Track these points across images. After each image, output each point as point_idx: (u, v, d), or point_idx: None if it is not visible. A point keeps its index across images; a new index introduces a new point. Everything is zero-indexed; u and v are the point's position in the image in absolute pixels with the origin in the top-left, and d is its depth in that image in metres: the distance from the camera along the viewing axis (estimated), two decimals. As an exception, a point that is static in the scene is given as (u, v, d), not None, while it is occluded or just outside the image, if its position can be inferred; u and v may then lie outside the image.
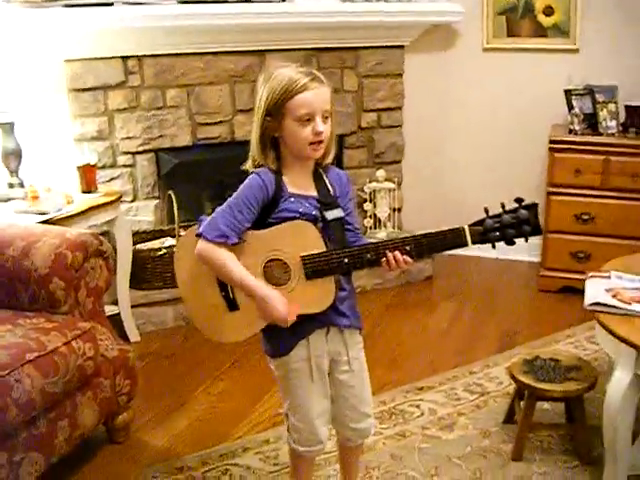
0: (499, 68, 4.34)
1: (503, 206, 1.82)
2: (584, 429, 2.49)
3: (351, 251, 1.85)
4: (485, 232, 1.82)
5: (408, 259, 1.83)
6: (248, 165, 1.94)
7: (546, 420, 2.70)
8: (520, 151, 4.40)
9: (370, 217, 4.24)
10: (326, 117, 1.86)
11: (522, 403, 2.56)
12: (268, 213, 1.87)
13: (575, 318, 3.54)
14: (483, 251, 4.47)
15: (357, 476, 2.31)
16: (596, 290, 2.40)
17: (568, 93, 3.96)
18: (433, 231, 1.84)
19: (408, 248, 1.83)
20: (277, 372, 2.03)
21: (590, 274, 2.57)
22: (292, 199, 1.89)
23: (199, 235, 1.86)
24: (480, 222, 1.83)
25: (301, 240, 1.85)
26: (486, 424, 2.73)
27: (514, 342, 3.44)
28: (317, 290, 1.87)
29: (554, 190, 3.91)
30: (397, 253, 1.83)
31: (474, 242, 1.82)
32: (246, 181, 1.89)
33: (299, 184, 1.92)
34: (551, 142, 3.89)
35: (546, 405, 2.75)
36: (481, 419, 2.76)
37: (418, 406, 2.87)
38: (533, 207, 1.82)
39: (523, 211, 1.81)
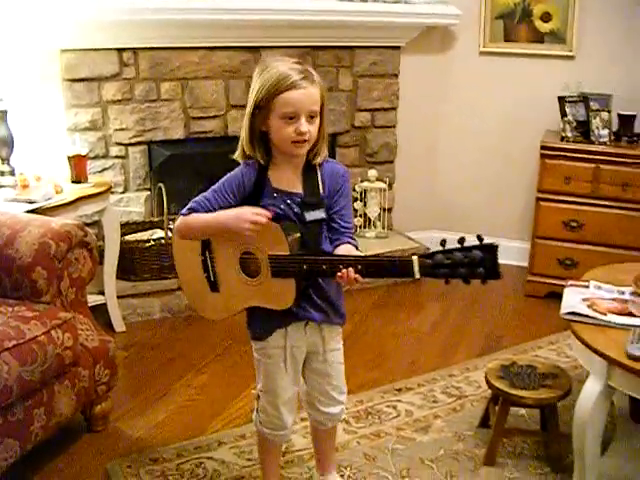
0: (495, 72, 4.35)
1: (461, 241, 1.71)
2: (557, 437, 2.50)
3: (310, 259, 1.87)
4: (434, 266, 1.73)
5: (359, 277, 1.81)
6: (237, 155, 1.98)
7: (521, 426, 2.73)
8: (512, 155, 4.41)
9: (360, 216, 4.26)
10: (312, 117, 1.86)
11: (497, 408, 2.58)
12: (250, 205, 1.91)
13: (559, 324, 3.52)
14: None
15: (332, 462, 2.36)
16: (573, 299, 2.41)
17: (562, 100, 3.97)
18: (385, 256, 1.82)
19: (359, 267, 1.81)
20: (255, 354, 2.11)
21: (569, 282, 2.58)
22: (275, 194, 1.93)
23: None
24: (431, 255, 1.74)
25: (269, 239, 1.88)
26: (461, 427, 2.74)
27: (497, 346, 3.46)
28: (280, 288, 1.92)
29: (544, 196, 3.92)
30: (350, 270, 1.80)
31: (422, 274, 1.74)
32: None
33: (285, 180, 1.94)
34: (542, 148, 3.90)
35: (522, 411, 2.78)
36: (456, 422, 2.78)
37: (395, 407, 2.89)
38: (492, 249, 1.71)
39: (477, 252, 1.70)
